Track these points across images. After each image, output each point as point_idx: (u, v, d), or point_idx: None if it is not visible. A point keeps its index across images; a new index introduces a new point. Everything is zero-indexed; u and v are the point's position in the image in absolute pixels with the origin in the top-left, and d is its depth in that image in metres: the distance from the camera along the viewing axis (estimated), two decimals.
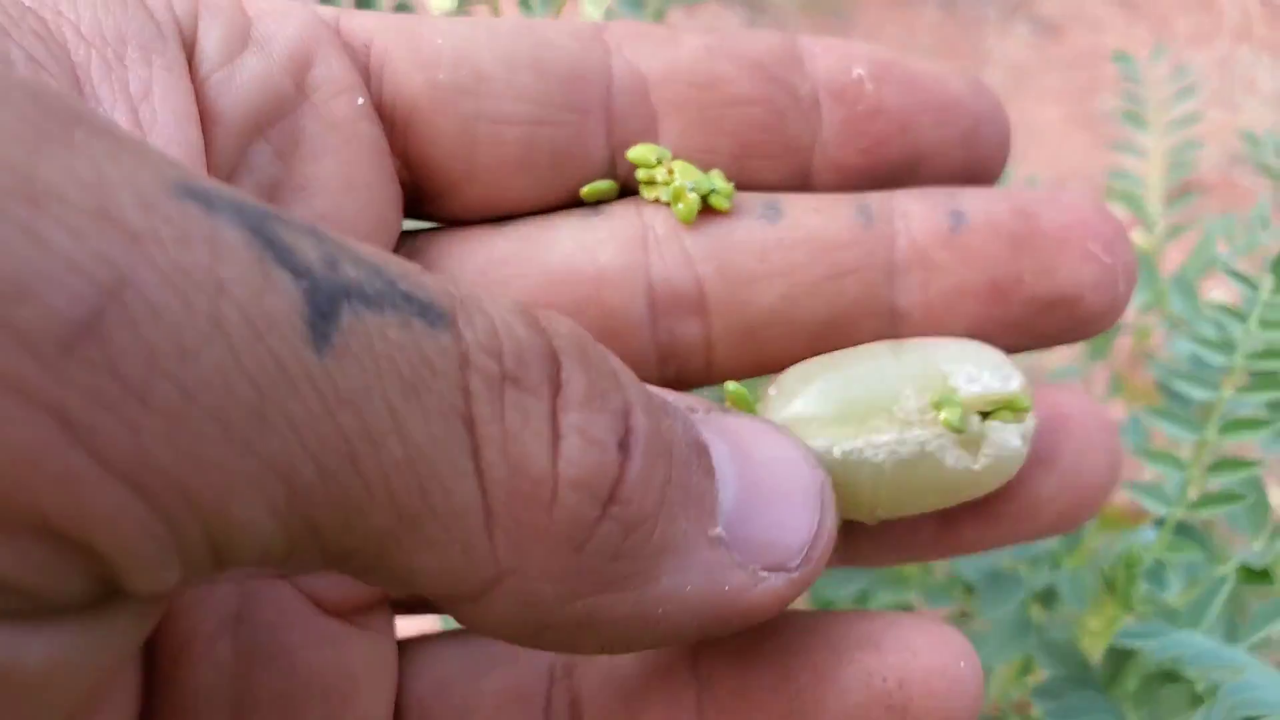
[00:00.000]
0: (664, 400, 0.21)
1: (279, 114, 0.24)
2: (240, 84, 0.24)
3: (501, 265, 0.27)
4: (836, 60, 0.27)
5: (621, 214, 0.27)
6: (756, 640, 0.24)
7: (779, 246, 0.26)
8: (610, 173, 0.27)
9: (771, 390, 0.25)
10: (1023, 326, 0.27)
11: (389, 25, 0.26)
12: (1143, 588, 0.45)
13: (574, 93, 0.26)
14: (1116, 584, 0.45)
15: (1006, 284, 0.26)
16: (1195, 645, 0.40)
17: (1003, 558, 0.47)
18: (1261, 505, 0.47)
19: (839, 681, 0.23)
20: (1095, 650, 0.49)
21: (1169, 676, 0.45)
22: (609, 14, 0.49)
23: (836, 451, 0.23)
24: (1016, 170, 1.66)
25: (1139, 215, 0.71)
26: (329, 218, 0.25)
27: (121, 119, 0.21)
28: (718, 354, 0.27)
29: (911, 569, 0.62)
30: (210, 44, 0.23)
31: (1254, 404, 0.45)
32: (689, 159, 0.27)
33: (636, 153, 0.27)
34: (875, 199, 0.27)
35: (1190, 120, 0.74)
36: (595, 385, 0.18)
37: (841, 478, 0.23)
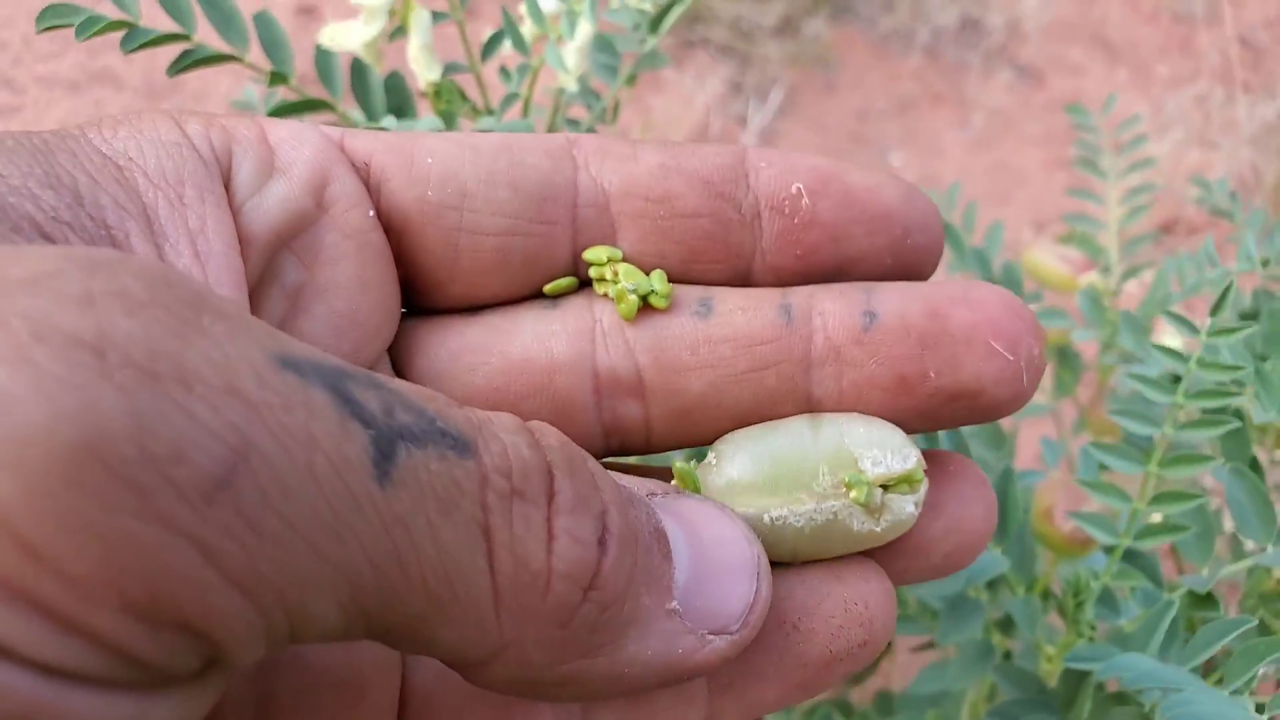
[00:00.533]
0: (631, 493, 0.25)
1: (301, 228, 0.28)
2: (268, 208, 0.28)
3: (471, 353, 0.31)
4: (779, 174, 0.30)
5: (576, 307, 0.31)
6: None
7: (708, 341, 0.30)
8: (572, 270, 0.31)
9: (710, 458, 0.30)
10: (928, 415, 0.30)
11: (386, 145, 0.30)
12: (1092, 613, 0.48)
13: (544, 207, 0.30)
14: (1066, 609, 0.47)
15: (913, 378, 0.29)
16: (1138, 666, 0.42)
17: (962, 584, 0.49)
18: (1208, 534, 0.49)
19: (824, 611, 0.28)
20: (1054, 675, 0.52)
21: (1120, 699, 0.47)
22: (582, 80, 0.52)
23: (766, 519, 0.28)
24: (999, 213, 1.70)
25: (1095, 258, 0.74)
26: (348, 314, 0.29)
27: (185, 251, 0.26)
28: (655, 431, 0.31)
29: None
30: (243, 176, 0.28)
31: (1203, 439, 0.48)
32: (642, 262, 0.31)
33: (591, 254, 0.30)
34: (798, 296, 0.30)
35: (1145, 164, 0.77)
36: (580, 493, 0.23)
37: (769, 537, 0.28)
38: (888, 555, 0.30)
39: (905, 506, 0.28)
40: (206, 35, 0.44)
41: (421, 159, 0.29)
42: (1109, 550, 0.48)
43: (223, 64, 0.43)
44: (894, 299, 0.29)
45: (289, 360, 0.20)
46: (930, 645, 0.63)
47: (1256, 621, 0.41)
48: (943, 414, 0.29)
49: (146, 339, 0.18)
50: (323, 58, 0.47)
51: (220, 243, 0.26)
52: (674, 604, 0.25)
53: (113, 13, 0.40)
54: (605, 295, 0.30)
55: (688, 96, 1.75)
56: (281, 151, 0.28)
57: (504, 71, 0.50)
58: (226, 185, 0.27)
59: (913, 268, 0.31)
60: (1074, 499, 0.56)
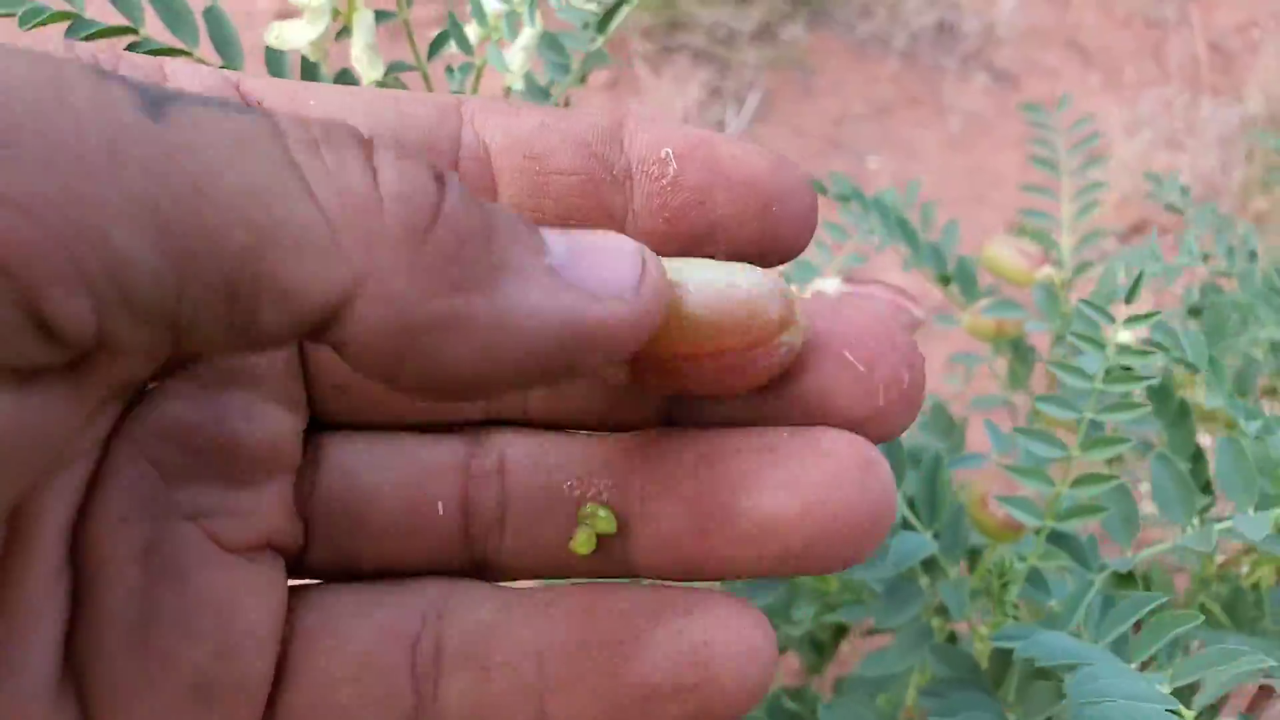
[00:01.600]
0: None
1: None
2: None
3: None
4: (652, 139, 0.31)
5: None
6: (592, 605, 0.28)
7: None
8: None
9: None
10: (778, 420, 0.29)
11: (277, 89, 0.30)
12: (1017, 593, 0.49)
13: (427, 157, 0.31)
14: (992, 590, 0.49)
15: None
16: (1053, 643, 0.44)
17: (892, 568, 0.51)
18: (1131, 515, 0.51)
19: (653, 640, 0.27)
20: (987, 655, 0.53)
21: (1042, 674, 0.48)
22: (529, 78, 0.54)
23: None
24: (975, 214, 1.71)
25: (1050, 252, 0.76)
26: None
27: None
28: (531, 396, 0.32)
29: (832, 581, 0.66)
30: None
31: (1122, 420, 0.49)
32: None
33: None
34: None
35: (1098, 161, 0.79)
36: (405, 151, 0.22)
37: None
38: (739, 536, 0.28)
39: (765, 276, 0.28)
40: (155, 30, 0.45)
41: (306, 104, 0.30)
42: (1036, 532, 0.50)
43: (171, 58, 0.45)
44: None
45: (45, 53, 0.19)
46: (875, 631, 0.64)
47: (1166, 598, 0.43)
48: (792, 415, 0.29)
49: None
50: (273, 57, 0.48)
51: None
52: (551, 260, 0.23)
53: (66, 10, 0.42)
54: None
55: (666, 101, 1.77)
56: (176, 79, 0.29)
57: (450, 70, 0.51)
58: None
59: (780, 237, 0.31)
60: (1010, 486, 0.58)
